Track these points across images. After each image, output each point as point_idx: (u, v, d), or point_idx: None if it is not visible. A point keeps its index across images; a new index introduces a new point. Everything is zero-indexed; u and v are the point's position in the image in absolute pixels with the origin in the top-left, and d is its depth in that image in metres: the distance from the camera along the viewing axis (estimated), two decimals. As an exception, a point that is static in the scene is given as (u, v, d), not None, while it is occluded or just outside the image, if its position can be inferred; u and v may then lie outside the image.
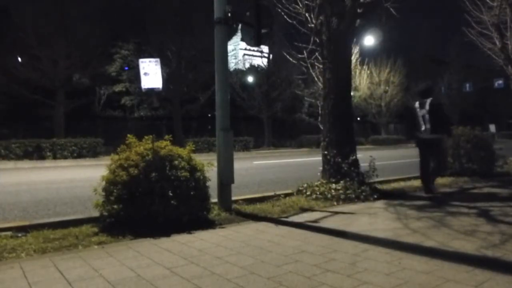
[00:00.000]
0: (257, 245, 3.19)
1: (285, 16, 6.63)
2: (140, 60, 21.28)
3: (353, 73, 23.28)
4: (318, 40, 6.21)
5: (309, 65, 6.70)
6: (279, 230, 3.74)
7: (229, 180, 4.78)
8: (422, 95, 5.83)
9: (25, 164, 14.22)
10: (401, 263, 2.65)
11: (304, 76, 7.57)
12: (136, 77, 22.32)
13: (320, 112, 6.31)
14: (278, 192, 5.64)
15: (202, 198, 3.96)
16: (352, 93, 12.42)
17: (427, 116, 5.58)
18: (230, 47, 5.41)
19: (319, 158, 6.41)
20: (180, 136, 20.57)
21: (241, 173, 9.02)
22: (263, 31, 5.05)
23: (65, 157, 15.84)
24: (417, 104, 5.79)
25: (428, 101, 5.65)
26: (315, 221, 4.09)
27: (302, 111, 30.46)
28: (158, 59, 20.96)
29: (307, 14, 6.31)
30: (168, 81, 21.95)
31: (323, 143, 6.11)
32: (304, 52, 6.72)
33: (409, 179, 7.34)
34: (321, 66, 6.32)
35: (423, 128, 5.63)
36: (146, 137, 4.08)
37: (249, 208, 4.77)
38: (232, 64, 31.57)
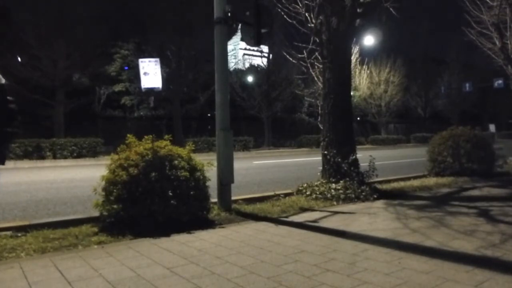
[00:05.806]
0: (257, 245, 3.19)
1: (285, 16, 6.63)
2: (140, 60, 21.28)
3: (353, 73, 23.27)
4: (318, 40, 6.21)
5: (309, 65, 6.70)
6: (279, 230, 3.74)
7: (229, 180, 4.78)
8: None
9: (25, 164, 14.22)
10: (401, 263, 2.65)
11: (304, 76, 7.56)
12: (136, 77, 22.33)
13: (320, 112, 6.31)
14: (278, 192, 5.64)
15: (202, 198, 3.96)
16: (352, 93, 12.42)
17: None
18: (230, 47, 5.42)
19: (319, 158, 6.42)
20: (180, 136, 20.56)
21: (241, 173, 9.02)
22: (263, 31, 5.04)
23: (65, 157, 15.82)
24: None
25: None
26: (315, 221, 4.09)
27: (302, 111, 30.46)
28: (157, 59, 20.96)
29: (307, 14, 6.30)
30: (168, 81, 21.93)
31: (323, 143, 6.11)
32: (304, 52, 6.72)
33: (408, 179, 7.35)
34: (321, 66, 6.31)
35: None
36: (146, 137, 4.08)
37: (249, 208, 4.76)
38: (232, 64, 31.59)
